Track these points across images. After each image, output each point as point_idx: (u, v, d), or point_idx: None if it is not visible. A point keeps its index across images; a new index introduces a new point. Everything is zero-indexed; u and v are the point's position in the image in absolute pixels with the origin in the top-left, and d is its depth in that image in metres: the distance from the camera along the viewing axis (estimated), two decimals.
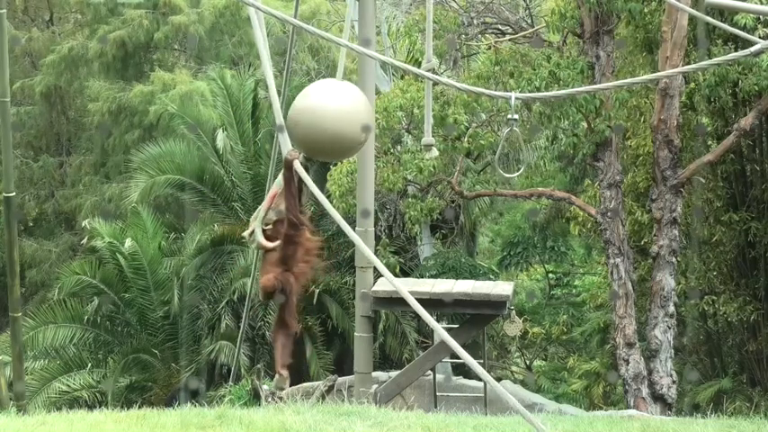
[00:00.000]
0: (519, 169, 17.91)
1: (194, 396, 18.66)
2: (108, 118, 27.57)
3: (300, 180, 6.87)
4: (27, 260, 27.52)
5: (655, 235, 16.54)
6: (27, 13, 31.84)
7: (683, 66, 15.68)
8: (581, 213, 18.82)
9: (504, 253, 25.09)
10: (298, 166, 6.79)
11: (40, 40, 30.31)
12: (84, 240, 23.67)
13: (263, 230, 7.01)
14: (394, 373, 15.09)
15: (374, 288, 13.27)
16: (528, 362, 26.87)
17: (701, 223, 18.47)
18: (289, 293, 6.82)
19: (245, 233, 7.11)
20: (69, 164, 30.37)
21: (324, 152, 7.23)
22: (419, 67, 16.91)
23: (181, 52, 29.97)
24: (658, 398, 16.19)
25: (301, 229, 6.84)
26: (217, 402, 11.92)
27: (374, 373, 14.33)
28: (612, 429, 9.33)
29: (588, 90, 15.94)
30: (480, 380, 16.46)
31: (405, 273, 21.22)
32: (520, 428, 8.72)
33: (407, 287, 13.94)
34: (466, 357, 6.06)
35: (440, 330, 6.35)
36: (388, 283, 13.07)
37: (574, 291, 26.02)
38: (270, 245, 6.93)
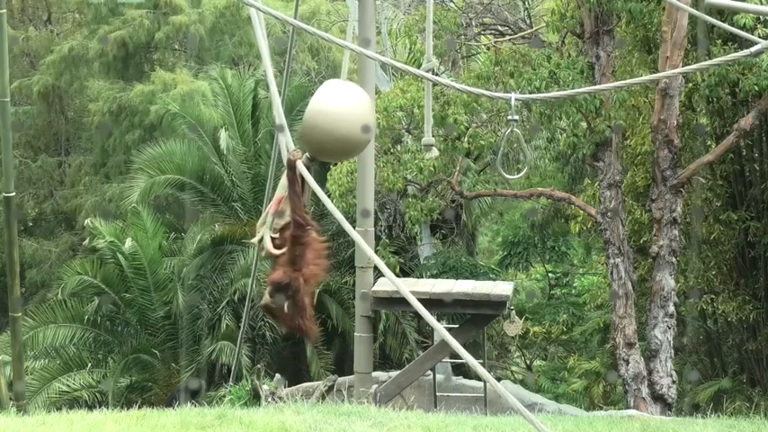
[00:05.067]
0: (520, 170, 17.89)
1: (195, 396, 18.67)
2: (108, 118, 27.55)
3: (303, 180, 6.86)
4: (27, 260, 27.50)
5: (655, 235, 16.54)
6: (25, 12, 31.83)
7: (683, 66, 15.68)
8: (581, 213, 18.84)
9: (505, 253, 25.11)
10: (301, 166, 6.78)
11: (38, 40, 30.30)
12: (86, 241, 23.65)
13: (271, 238, 6.96)
14: (394, 373, 15.09)
15: (374, 288, 13.27)
16: (528, 362, 26.88)
17: (700, 223, 18.48)
18: (296, 292, 6.77)
19: (254, 240, 7.04)
20: (68, 164, 30.37)
21: (336, 154, 7.24)
22: (419, 67, 16.95)
23: (181, 52, 29.96)
24: (658, 398, 16.19)
25: (308, 229, 6.80)
26: (217, 402, 11.93)
27: (374, 373, 14.33)
28: (612, 429, 9.34)
29: (588, 91, 15.93)
30: (480, 380, 16.47)
31: (405, 273, 21.22)
32: (520, 428, 8.73)
33: (407, 287, 13.96)
34: (467, 357, 6.05)
35: (441, 330, 6.34)
36: (388, 283, 13.10)
37: (574, 291, 26.03)
38: (278, 252, 6.89)
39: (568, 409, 16.68)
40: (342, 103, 6.87)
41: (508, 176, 18.15)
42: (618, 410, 15.56)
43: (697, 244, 18.68)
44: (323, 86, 7.02)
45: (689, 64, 15.91)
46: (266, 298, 6.91)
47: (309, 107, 6.90)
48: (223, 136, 22.60)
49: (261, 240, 6.98)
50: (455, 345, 6.03)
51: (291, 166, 6.80)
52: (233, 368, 17.36)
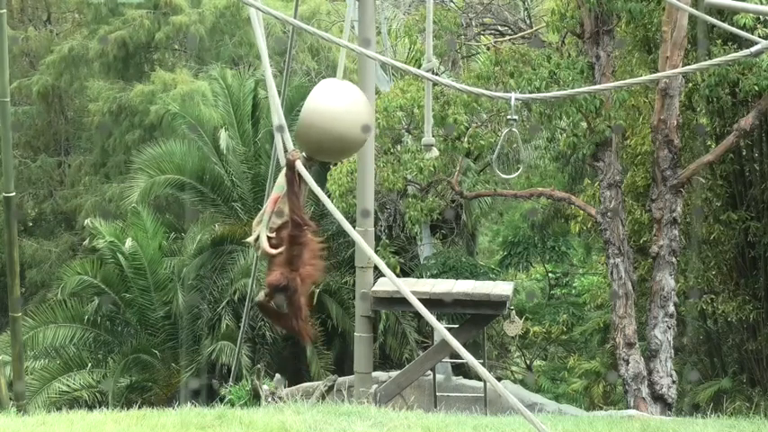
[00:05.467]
0: (518, 170, 17.90)
1: (196, 396, 18.67)
2: (108, 118, 27.55)
3: (302, 180, 6.86)
4: (27, 260, 27.50)
5: (655, 235, 16.54)
6: (24, 12, 31.83)
7: (682, 66, 15.68)
8: (581, 213, 18.84)
9: (505, 253, 25.12)
10: (300, 166, 6.78)
11: (38, 40, 30.30)
12: (86, 241, 23.65)
13: (268, 238, 6.97)
14: (394, 373, 15.09)
15: (374, 288, 13.27)
16: (528, 362, 26.88)
17: (700, 223, 18.48)
18: (294, 293, 6.77)
19: (250, 239, 7.05)
20: (68, 164, 30.38)
21: (333, 153, 7.25)
22: (419, 67, 16.95)
23: (181, 52, 29.96)
24: (658, 398, 16.19)
25: (306, 229, 6.81)
26: (217, 402, 11.92)
27: (374, 373, 14.34)
28: (612, 429, 9.34)
29: (588, 90, 15.93)
30: (480, 380, 16.47)
31: (405, 273, 21.21)
32: (520, 428, 8.74)
33: (408, 287, 13.94)
34: (467, 357, 6.06)
35: (441, 330, 6.35)
36: (388, 283, 13.10)
37: (574, 291, 26.04)
38: (275, 251, 6.89)
39: (568, 409, 16.68)
40: (337, 102, 6.89)
41: (504, 176, 18.16)
42: (618, 410, 15.56)
43: (697, 244, 18.68)
44: (318, 86, 7.04)
45: (689, 64, 15.91)
46: (261, 297, 6.93)
47: (305, 106, 6.93)
48: (223, 136, 22.60)
49: (257, 239, 6.98)
50: (456, 344, 6.03)
51: (290, 166, 6.81)
52: (233, 368, 17.36)
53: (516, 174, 17.55)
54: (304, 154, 6.95)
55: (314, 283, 7.07)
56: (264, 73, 7.36)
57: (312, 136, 6.85)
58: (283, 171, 6.93)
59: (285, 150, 6.99)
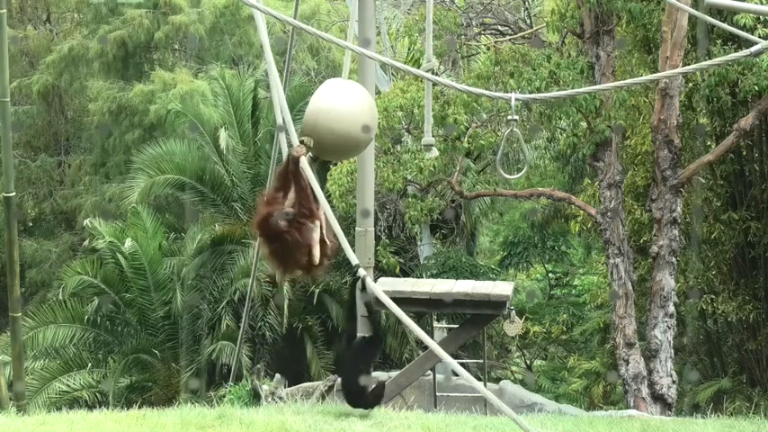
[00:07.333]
0: (520, 170, 17.89)
1: (195, 394, 18.67)
2: (108, 118, 27.55)
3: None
4: (27, 260, 27.49)
5: (655, 235, 16.54)
6: (24, 12, 31.82)
7: (682, 66, 15.68)
8: (581, 213, 18.85)
9: (505, 253, 25.12)
10: (304, 162, 6.76)
11: (38, 40, 30.30)
12: (86, 242, 23.63)
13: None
14: (394, 373, 15.09)
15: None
16: (528, 362, 26.88)
17: (700, 223, 18.48)
18: (298, 226, 6.72)
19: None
20: (68, 164, 30.37)
21: (337, 153, 7.24)
22: (419, 67, 16.95)
23: (181, 52, 29.96)
24: (658, 398, 16.19)
25: (315, 212, 6.81)
26: (217, 402, 11.93)
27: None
28: (612, 429, 9.34)
29: (588, 90, 15.94)
30: (480, 380, 16.47)
31: (405, 273, 21.22)
32: (519, 429, 8.72)
33: (407, 287, 13.95)
34: (451, 361, 6.03)
35: (427, 338, 6.32)
36: (388, 284, 13.11)
37: (574, 291, 26.04)
38: (294, 209, 6.85)
39: (568, 409, 16.66)
40: (343, 103, 6.86)
41: (507, 176, 18.14)
42: (618, 410, 15.55)
43: (697, 244, 18.68)
44: (324, 86, 7.01)
45: (689, 64, 15.91)
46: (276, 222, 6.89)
47: (310, 106, 6.89)
48: (223, 136, 22.60)
49: None
50: (440, 351, 6.01)
51: (295, 162, 6.78)
52: (233, 368, 17.37)
53: (520, 174, 17.57)
54: (311, 153, 6.93)
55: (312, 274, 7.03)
56: (268, 70, 7.34)
57: (316, 136, 6.83)
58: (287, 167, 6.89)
59: (290, 146, 6.95)
